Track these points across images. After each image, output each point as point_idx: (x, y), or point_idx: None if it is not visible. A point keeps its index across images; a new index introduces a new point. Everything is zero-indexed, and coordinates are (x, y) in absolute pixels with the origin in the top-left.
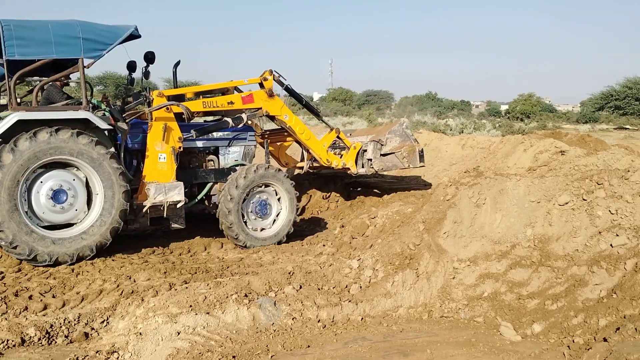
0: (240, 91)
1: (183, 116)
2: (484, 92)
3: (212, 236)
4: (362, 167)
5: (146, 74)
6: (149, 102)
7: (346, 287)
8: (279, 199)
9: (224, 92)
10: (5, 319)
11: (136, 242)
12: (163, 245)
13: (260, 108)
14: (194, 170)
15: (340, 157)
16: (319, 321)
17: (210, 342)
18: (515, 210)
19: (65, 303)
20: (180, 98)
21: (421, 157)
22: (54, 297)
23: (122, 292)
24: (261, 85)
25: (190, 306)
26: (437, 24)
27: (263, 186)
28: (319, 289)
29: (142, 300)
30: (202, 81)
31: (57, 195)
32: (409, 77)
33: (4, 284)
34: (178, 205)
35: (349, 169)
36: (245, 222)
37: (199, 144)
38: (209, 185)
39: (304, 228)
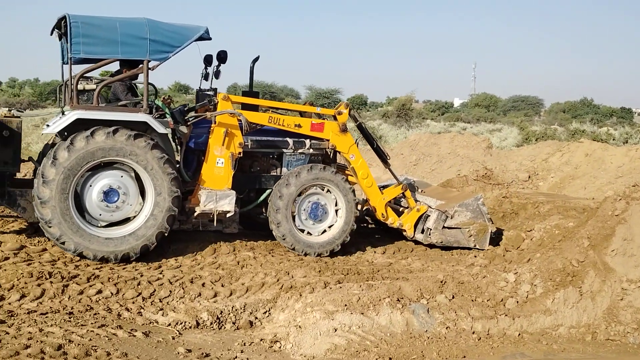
0: (319, 116)
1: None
2: None
3: (362, 240)
4: (422, 232)
5: (217, 74)
6: (214, 105)
7: (501, 300)
8: (336, 203)
9: (301, 113)
10: (183, 303)
11: None
12: None
13: (328, 140)
14: (254, 176)
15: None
16: (473, 332)
17: (366, 342)
18: None
19: (233, 292)
20: (253, 107)
21: (492, 239)
22: (222, 286)
23: (282, 286)
24: (335, 117)
25: (345, 305)
26: (593, 23)
27: (319, 188)
28: (472, 300)
29: (300, 295)
30: (343, 89)
31: (109, 195)
32: (561, 81)
33: (182, 271)
34: (227, 215)
35: (405, 230)
36: (297, 225)
37: (262, 148)
38: (268, 191)
39: None
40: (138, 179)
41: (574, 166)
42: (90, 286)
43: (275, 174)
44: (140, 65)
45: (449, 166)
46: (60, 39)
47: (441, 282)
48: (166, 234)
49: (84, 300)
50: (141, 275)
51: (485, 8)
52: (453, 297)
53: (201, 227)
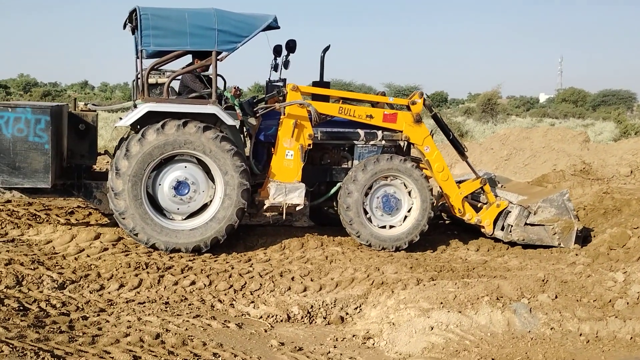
0: (391, 107)
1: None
2: None
3: (453, 236)
4: (502, 229)
5: (286, 64)
6: (283, 96)
7: (610, 301)
8: (409, 193)
9: (373, 104)
10: (273, 296)
11: None
12: None
13: (401, 131)
14: (325, 168)
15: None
16: (580, 335)
17: (465, 342)
18: None
19: (322, 287)
20: (323, 97)
21: (578, 237)
22: (312, 280)
23: (372, 282)
24: (408, 107)
25: (441, 303)
26: None
27: (389, 179)
28: (577, 301)
29: (392, 292)
30: (422, 85)
31: (179, 188)
32: None
33: (271, 265)
34: (297, 209)
35: (483, 226)
36: (370, 219)
37: (332, 140)
38: (339, 184)
39: None
40: (201, 164)
41: None
42: (184, 277)
43: (346, 166)
44: (210, 57)
45: (544, 161)
46: (133, 33)
47: (542, 280)
48: (245, 209)
49: (178, 290)
50: (232, 268)
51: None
52: (556, 297)
53: (272, 221)
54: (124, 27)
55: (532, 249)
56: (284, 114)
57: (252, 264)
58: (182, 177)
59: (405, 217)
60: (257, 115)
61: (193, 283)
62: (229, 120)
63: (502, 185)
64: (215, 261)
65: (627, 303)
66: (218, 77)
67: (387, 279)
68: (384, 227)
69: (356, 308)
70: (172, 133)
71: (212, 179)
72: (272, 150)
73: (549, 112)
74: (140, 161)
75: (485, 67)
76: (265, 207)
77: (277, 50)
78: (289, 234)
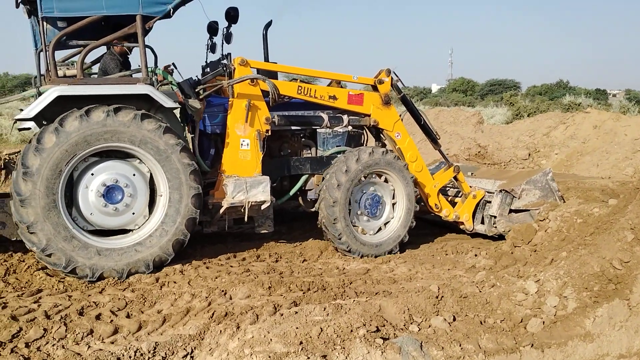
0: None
1: (267, 98)
2: (622, 79)
3: None
4: (482, 222)
5: (227, 37)
6: (229, 73)
7: (521, 321)
8: (393, 196)
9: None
10: (62, 346)
11: (237, 243)
12: (270, 248)
13: (369, 115)
14: (286, 159)
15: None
16: None
17: None
18: None
19: (142, 325)
20: (271, 75)
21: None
22: (128, 316)
23: (213, 313)
24: (375, 87)
25: (301, 343)
26: (568, 7)
27: (376, 177)
28: (481, 323)
29: (238, 327)
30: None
31: (110, 193)
32: (538, 65)
33: (69, 297)
34: (262, 207)
35: (462, 222)
36: (353, 221)
37: (292, 125)
38: (303, 178)
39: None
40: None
41: (582, 140)
42: None
43: (309, 155)
44: (133, 24)
45: None
46: (29, 16)
47: (436, 297)
48: (197, 219)
49: None
50: (3, 307)
51: None
52: (454, 320)
53: (227, 227)
54: (17, 5)
55: (423, 252)
56: (234, 95)
57: (39, 297)
58: (112, 179)
59: (387, 223)
60: (201, 97)
61: None
62: (167, 102)
63: (471, 174)
64: None
65: (543, 322)
66: (147, 51)
67: (233, 308)
68: (366, 232)
69: (185, 356)
70: (99, 122)
71: (153, 182)
72: (220, 142)
73: (441, 101)
74: (57, 158)
75: (378, 58)
76: (222, 209)
77: (212, 28)
78: None
